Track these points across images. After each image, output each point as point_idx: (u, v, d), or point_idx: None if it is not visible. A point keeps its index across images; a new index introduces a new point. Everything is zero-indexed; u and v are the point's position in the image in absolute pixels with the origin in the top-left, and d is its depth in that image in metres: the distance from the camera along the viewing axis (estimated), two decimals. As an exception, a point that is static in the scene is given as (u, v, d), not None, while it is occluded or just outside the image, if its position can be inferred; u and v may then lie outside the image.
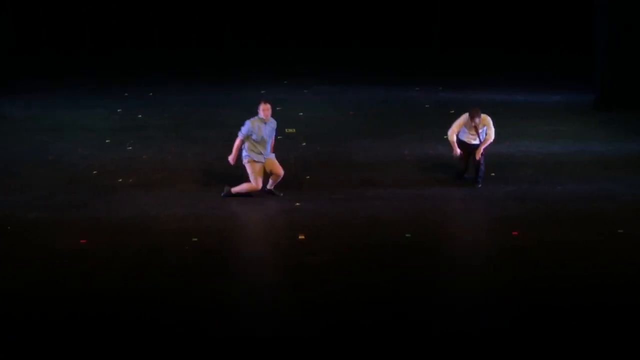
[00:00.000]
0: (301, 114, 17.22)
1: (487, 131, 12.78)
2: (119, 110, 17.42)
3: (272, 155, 12.42)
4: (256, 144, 12.20)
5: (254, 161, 12.21)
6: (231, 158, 12.41)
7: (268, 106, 12.28)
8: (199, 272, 10.03)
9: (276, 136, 12.64)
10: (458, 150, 12.84)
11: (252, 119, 12.26)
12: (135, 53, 22.82)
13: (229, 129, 16.00)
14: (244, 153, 12.28)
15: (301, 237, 11.03)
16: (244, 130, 12.22)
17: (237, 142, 12.29)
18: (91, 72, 21.14)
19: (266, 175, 12.42)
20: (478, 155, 12.76)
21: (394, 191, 12.76)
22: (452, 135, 12.84)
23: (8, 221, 11.50)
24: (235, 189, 12.39)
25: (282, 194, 12.49)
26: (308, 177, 13.42)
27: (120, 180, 13.23)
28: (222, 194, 12.43)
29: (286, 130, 15.74)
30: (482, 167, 12.84)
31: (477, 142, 12.86)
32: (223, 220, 11.66)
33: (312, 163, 14.14)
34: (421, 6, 23.14)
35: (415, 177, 13.39)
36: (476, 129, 12.76)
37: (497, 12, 22.90)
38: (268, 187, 12.56)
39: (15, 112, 17.33)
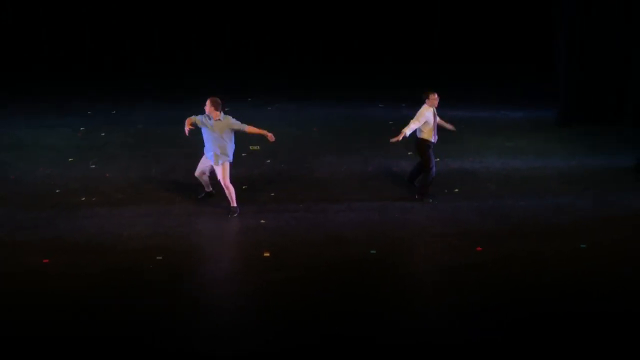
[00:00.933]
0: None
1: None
2: (82, 129, 17.25)
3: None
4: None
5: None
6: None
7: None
8: (163, 290, 9.94)
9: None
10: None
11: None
12: (98, 71, 22.60)
13: (192, 147, 15.93)
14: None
15: (266, 254, 10.98)
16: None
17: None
18: (52, 89, 20.91)
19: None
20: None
21: (358, 207, 12.75)
22: (408, 130, 12.77)
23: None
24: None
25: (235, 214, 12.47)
26: (272, 194, 13.37)
27: (84, 198, 13.09)
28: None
29: (250, 147, 15.67)
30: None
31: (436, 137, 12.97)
32: (187, 238, 11.58)
33: (276, 180, 14.09)
34: (381, 21, 23.11)
35: (379, 193, 13.38)
36: (435, 114, 12.78)
37: (460, 26, 22.98)
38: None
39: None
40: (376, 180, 14.01)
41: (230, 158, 12.47)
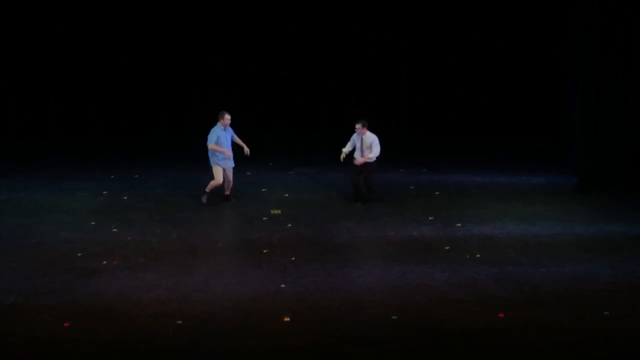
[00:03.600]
0: (287, 195, 17.15)
1: (372, 147, 16.06)
2: (104, 193, 17.28)
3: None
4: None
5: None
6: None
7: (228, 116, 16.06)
8: (181, 357, 9.80)
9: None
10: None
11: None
12: (116, 136, 22.75)
13: (213, 211, 15.92)
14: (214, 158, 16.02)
15: (286, 319, 10.84)
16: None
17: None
18: (73, 155, 21.04)
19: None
20: (362, 161, 16.07)
21: (378, 272, 12.62)
22: (346, 148, 16.36)
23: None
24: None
25: (234, 200, 16.23)
26: (293, 258, 13.26)
27: (105, 262, 13.03)
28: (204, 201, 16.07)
29: (272, 211, 15.64)
30: (373, 182, 16.24)
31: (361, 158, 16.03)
32: (207, 303, 11.44)
33: (296, 244, 14.00)
34: (402, 91, 23.21)
35: (399, 258, 13.25)
36: (361, 140, 15.99)
37: (477, 100, 23.05)
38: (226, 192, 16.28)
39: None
40: (396, 245, 13.89)
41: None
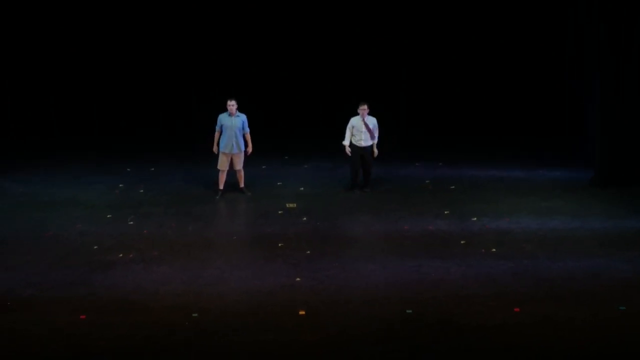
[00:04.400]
0: (302, 188, 17.15)
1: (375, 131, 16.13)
2: (120, 186, 17.34)
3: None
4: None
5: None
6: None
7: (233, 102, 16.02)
8: (197, 351, 9.83)
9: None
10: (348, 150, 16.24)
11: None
12: (137, 130, 22.73)
13: (228, 204, 15.96)
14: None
15: (301, 312, 10.85)
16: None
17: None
18: (92, 148, 21.11)
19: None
20: (375, 154, 16.32)
21: (393, 266, 12.61)
22: (346, 140, 16.22)
23: (5, 298, 11.31)
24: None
25: (249, 194, 16.17)
26: (308, 252, 13.28)
27: (121, 255, 13.08)
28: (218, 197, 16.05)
29: (287, 205, 15.66)
30: (372, 171, 16.45)
31: (367, 143, 16.22)
32: (223, 296, 11.48)
33: (311, 238, 14.01)
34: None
35: (414, 252, 13.24)
36: (366, 125, 15.97)
37: (486, 100, 22.85)
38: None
39: (13, 188, 17.23)
40: (411, 239, 13.88)
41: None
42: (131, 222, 14.87)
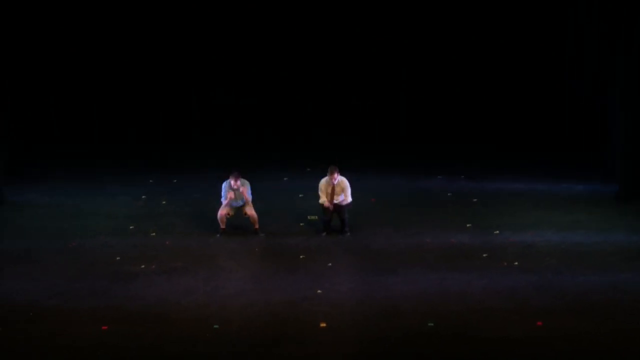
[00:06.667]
0: (323, 201, 17.13)
1: (345, 193, 14.73)
2: (143, 197, 17.45)
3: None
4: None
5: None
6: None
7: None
8: (219, 361, 9.91)
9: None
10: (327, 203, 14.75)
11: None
12: (162, 144, 22.78)
13: (248, 219, 15.97)
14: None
15: (322, 325, 10.88)
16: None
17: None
18: (115, 160, 21.21)
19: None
20: (332, 204, 14.70)
21: (415, 279, 12.62)
22: (322, 198, 14.78)
23: (29, 309, 11.43)
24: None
25: (262, 235, 14.86)
26: (329, 264, 13.31)
27: (143, 266, 13.17)
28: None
29: (308, 217, 15.69)
30: (346, 218, 14.79)
31: (340, 199, 14.75)
32: (245, 308, 11.53)
33: (333, 250, 14.05)
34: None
35: (436, 265, 13.25)
36: (333, 189, 14.64)
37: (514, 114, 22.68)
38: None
39: (37, 199, 17.36)
40: (433, 253, 13.88)
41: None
42: (153, 234, 14.96)
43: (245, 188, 14.92)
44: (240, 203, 15.02)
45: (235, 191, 14.89)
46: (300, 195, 17.53)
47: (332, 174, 14.68)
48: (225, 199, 14.89)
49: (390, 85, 22.68)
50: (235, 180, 14.83)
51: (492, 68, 22.29)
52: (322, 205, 14.82)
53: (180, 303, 11.66)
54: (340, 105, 22.87)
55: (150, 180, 18.90)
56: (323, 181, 14.84)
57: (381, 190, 17.92)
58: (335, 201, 14.77)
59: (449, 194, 17.71)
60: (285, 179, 18.81)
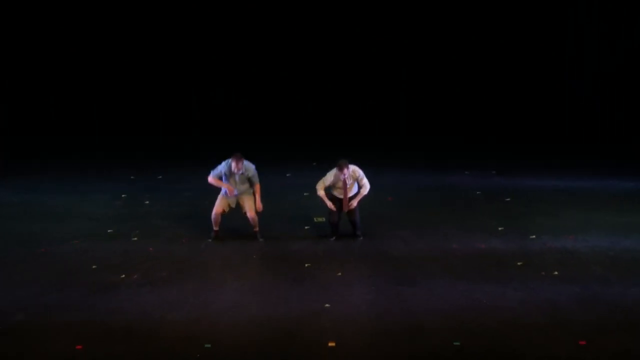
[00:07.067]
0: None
1: (360, 183, 14.59)
2: (123, 196, 17.48)
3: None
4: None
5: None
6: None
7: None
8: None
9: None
10: (330, 204, 14.62)
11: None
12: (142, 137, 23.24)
13: (247, 219, 15.99)
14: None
15: (331, 344, 10.86)
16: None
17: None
18: (92, 154, 21.37)
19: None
20: (353, 206, 14.59)
21: (439, 291, 12.60)
22: (320, 190, 14.61)
23: (-8, 323, 11.46)
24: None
25: (262, 239, 14.71)
26: (339, 273, 13.31)
27: (123, 276, 13.18)
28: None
29: (315, 219, 15.72)
30: (358, 219, 14.70)
31: (351, 193, 14.59)
32: (240, 325, 11.51)
33: (343, 257, 14.05)
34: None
35: (463, 274, 13.24)
36: (345, 183, 14.44)
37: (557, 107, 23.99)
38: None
39: (2, 197, 17.42)
40: (460, 260, 13.88)
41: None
42: (135, 238, 14.98)
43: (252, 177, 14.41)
44: (242, 190, 14.53)
45: (235, 176, 14.37)
46: (305, 194, 17.55)
47: (341, 169, 14.47)
48: (217, 178, 14.43)
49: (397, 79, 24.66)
50: (237, 163, 14.35)
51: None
52: (321, 199, 14.65)
53: (166, 318, 11.65)
54: (340, 106, 24.88)
55: (132, 177, 18.96)
56: (330, 175, 14.63)
57: (399, 188, 17.94)
58: (350, 194, 14.55)
59: (477, 192, 17.75)
60: (288, 175, 18.84)
